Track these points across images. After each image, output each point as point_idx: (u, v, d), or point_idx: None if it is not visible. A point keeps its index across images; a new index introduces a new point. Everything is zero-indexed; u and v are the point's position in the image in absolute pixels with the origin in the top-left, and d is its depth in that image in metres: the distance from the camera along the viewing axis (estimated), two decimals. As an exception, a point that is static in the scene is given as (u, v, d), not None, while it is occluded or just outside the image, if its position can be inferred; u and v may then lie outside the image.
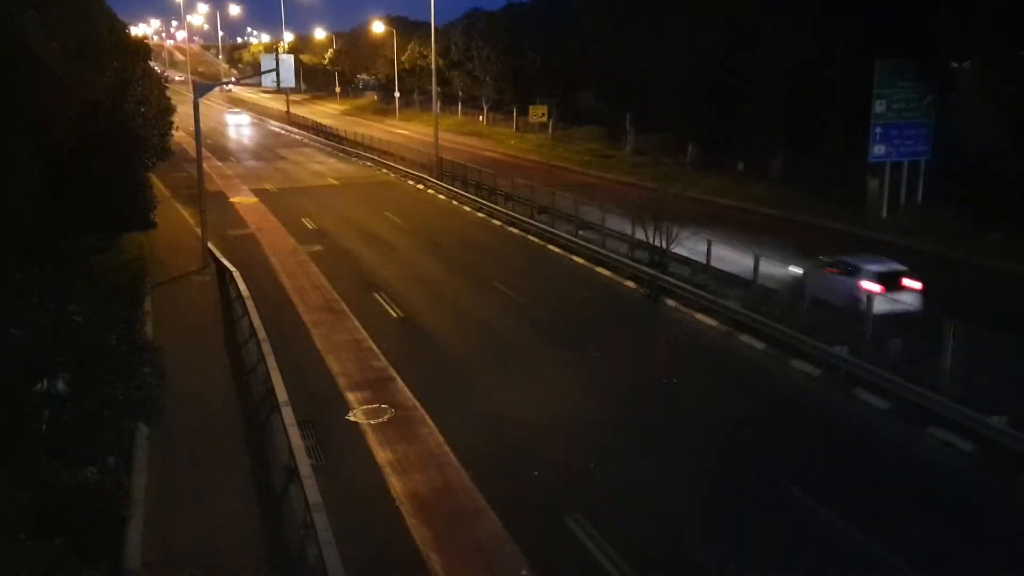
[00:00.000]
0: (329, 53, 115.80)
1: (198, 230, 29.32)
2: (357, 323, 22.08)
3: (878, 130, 33.00)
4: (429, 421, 16.14)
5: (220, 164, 54.68)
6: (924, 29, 30.78)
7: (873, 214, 34.42)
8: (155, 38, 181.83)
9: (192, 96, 28.73)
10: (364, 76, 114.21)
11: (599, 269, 27.43)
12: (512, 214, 35.20)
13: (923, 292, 20.49)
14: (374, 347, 20.27)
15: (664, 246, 25.15)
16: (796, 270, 22.53)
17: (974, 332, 15.52)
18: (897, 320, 18.15)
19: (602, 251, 27.96)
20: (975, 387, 15.29)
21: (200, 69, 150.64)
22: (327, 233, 33.55)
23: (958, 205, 31.30)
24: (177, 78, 57.58)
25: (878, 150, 33.35)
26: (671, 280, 23.88)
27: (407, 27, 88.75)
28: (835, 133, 38.17)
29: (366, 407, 16.85)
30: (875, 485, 13.97)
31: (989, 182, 29.96)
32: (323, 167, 54.56)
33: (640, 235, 26.46)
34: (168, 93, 34.47)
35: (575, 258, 28.96)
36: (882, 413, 16.49)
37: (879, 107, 32.76)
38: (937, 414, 15.58)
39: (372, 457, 14.81)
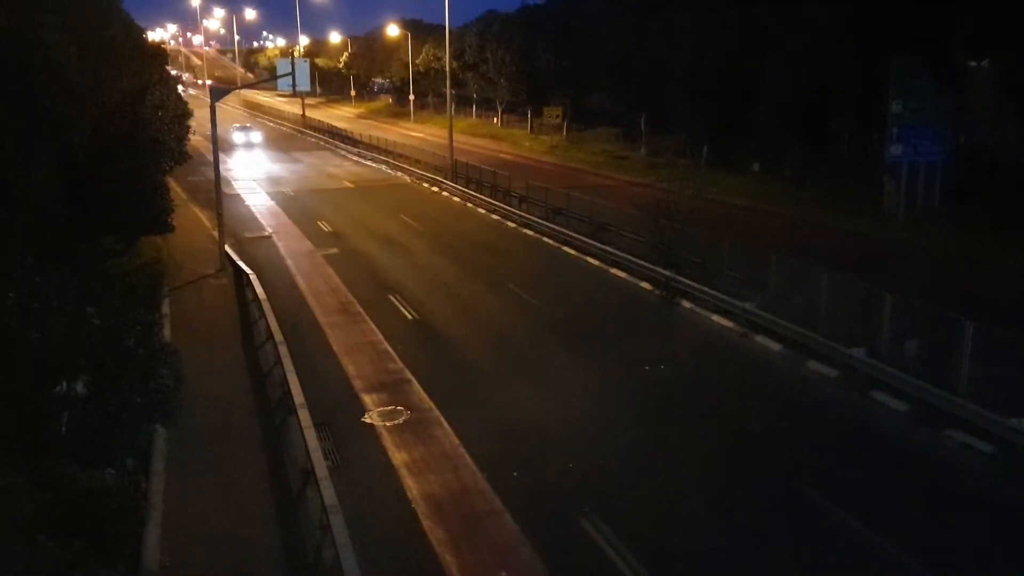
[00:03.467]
0: (344, 57, 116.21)
1: (215, 233, 29.48)
2: (373, 325, 22.14)
3: (895, 130, 32.79)
4: (444, 423, 16.16)
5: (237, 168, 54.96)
6: (941, 27, 30.57)
7: (890, 215, 34.20)
8: (172, 43, 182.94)
9: (209, 100, 28.91)
10: (379, 79, 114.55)
11: (614, 271, 27.38)
12: (527, 216, 35.19)
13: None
14: (389, 349, 20.32)
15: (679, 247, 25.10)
16: None
17: (993, 332, 15.38)
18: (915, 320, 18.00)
19: (617, 252, 27.90)
20: (995, 388, 15.16)
21: (217, 73, 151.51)
22: (343, 236, 33.67)
23: (976, 205, 31.04)
24: (191, 92, 58.32)
25: (895, 150, 33.13)
26: (686, 281, 23.80)
27: (422, 30, 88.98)
28: (851, 134, 37.96)
29: (382, 409, 16.89)
30: (892, 487, 13.87)
31: (1008, 181, 29.71)
32: (338, 170, 54.75)
33: (655, 237, 26.40)
34: (184, 97, 34.71)
35: (590, 260, 28.92)
36: (900, 415, 16.38)
37: (896, 107, 32.54)
38: (956, 416, 15.46)
39: (388, 459, 14.84)
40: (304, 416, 14.78)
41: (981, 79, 34.48)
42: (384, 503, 13.40)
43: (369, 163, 57.50)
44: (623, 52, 52.37)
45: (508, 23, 72.07)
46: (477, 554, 12.11)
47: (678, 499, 13.58)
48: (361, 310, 23.52)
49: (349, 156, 61.83)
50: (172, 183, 31.51)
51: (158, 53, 30.91)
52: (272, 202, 42.09)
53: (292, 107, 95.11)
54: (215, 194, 29.37)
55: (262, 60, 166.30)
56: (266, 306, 21.46)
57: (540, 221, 33.95)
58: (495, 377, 18.75)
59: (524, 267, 28.81)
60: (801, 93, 38.95)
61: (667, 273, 24.63)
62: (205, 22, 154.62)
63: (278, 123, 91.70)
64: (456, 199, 42.54)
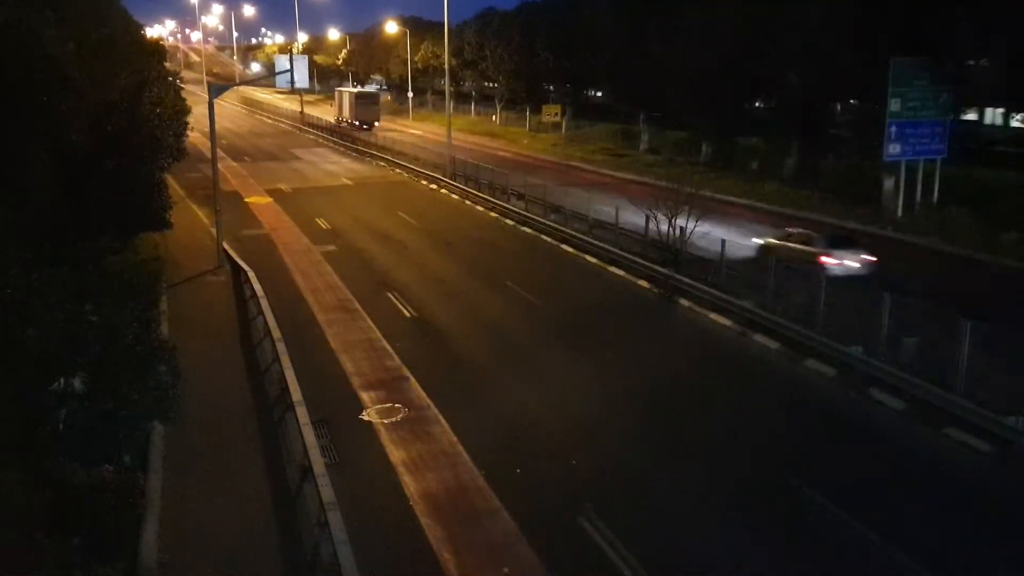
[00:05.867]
0: (343, 54, 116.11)
1: (213, 230, 29.46)
2: (370, 322, 22.13)
3: (893, 129, 32.80)
4: (442, 420, 16.16)
5: (235, 164, 54.89)
6: (939, 26, 30.56)
7: (888, 213, 34.23)
8: (170, 39, 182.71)
9: (207, 96, 28.88)
10: (377, 76, 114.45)
11: (612, 268, 27.38)
12: (525, 213, 35.19)
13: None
14: (387, 346, 20.32)
15: (678, 246, 25.13)
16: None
17: (991, 331, 15.41)
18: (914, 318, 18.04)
19: (615, 250, 27.90)
20: (992, 387, 15.18)
21: (215, 70, 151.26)
22: (341, 233, 33.65)
23: (974, 204, 31.07)
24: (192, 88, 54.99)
25: (893, 149, 33.14)
26: (685, 279, 23.81)
27: (420, 27, 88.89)
28: (850, 132, 37.98)
29: (380, 406, 16.89)
30: (891, 486, 13.89)
31: (1006, 180, 29.76)
32: (337, 167, 54.70)
33: (654, 234, 26.47)
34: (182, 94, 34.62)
35: (588, 258, 28.92)
36: (898, 413, 16.40)
37: (894, 106, 32.55)
38: (953, 414, 15.48)
39: (386, 456, 14.84)
40: (302, 413, 14.79)
41: (980, 78, 34.52)
42: (382, 500, 13.41)
43: (367, 160, 57.46)
44: (622, 50, 52.36)
45: (507, 20, 71.99)
46: (475, 552, 12.11)
47: (676, 497, 13.59)
48: (359, 307, 23.51)
49: (348, 153, 61.76)
50: (170, 180, 31.47)
51: (156, 49, 30.84)
52: (270, 199, 42.05)
53: (291, 104, 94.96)
54: (213, 191, 29.35)
55: (261, 57, 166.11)
56: (264, 303, 21.46)
57: (538, 219, 33.95)
58: (493, 375, 18.75)
59: (522, 265, 28.80)
60: (800, 91, 38.94)
61: (665, 271, 24.64)
62: (203, 18, 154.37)
63: (277, 120, 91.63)
64: (455, 196, 42.53)
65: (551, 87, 70.60)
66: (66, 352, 14.00)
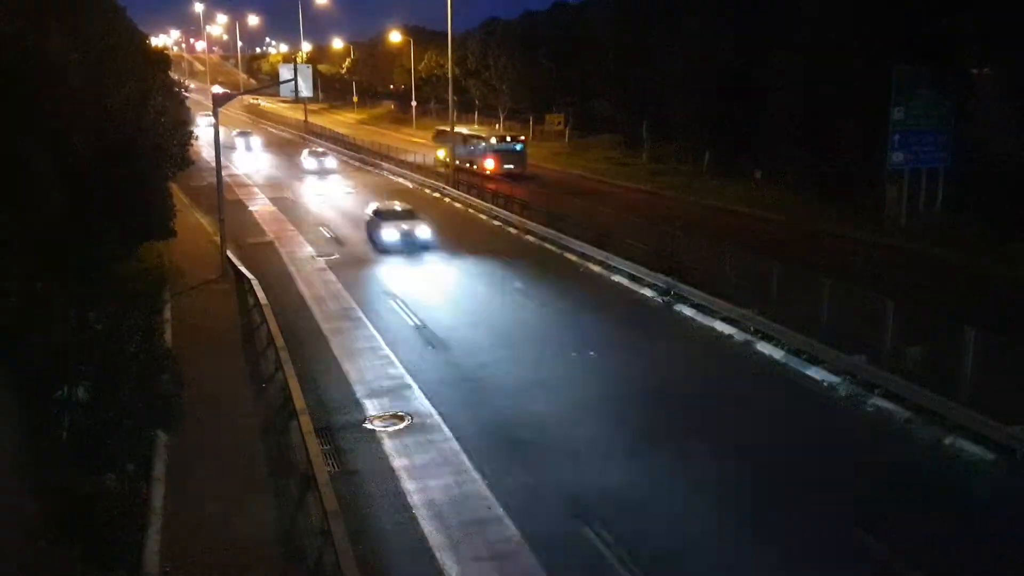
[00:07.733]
0: (347, 63, 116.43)
1: (217, 239, 29.53)
2: (374, 331, 22.14)
3: (896, 137, 32.79)
4: (445, 428, 16.16)
5: (239, 173, 55.02)
6: (943, 35, 30.59)
7: (892, 222, 34.19)
8: (175, 48, 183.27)
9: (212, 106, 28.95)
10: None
11: (616, 277, 27.36)
12: (528, 222, 35.20)
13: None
14: (391, 355, 20.32)
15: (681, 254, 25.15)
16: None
17: (995, 340, 15.38)
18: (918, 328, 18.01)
19: (619, 259, 27.87)
20: (996, 396, 15.15)
21: (220, 79, 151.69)
22: (344, 241, 33.69)
23: (978, 213, 31.04)
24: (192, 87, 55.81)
25: (896, 158, 33.13)
26: (688, 288, 23.80)
27: (424, 36, 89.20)
28: (853, 141, 37.96)
29: (383, 414, 16.88)
30: (893, 493, 13.85)
31: (1010, 189, 29.72)
32: (340, 175, 54.74)
33: (657, 243, 26.48)
34: (187, 103, 34.72)
35: (592, 266, 28.91)
36: (901, 421, 16.36)
37: (897, 114, 32.55)
38: (957, 423, 15.44)
39: (389, 464, 14.84)
40: (305, 421, 14.80)
41: (983, 86, 34.51)
42: (385, 508, 13.40)
43: (371, 169, 57.55)
44: (625, 59, 52.46)
45: (510, 30, 72.20)
46: (477, 560, 12.09)
47: (679, 504, 13.56)
48: (362, 315, 23.53)
49: (351, 162, 61.88)
50: (174, 188, 31.54)
51: (161, 59, 30.93)
52: (274, 207, 42.12)
53: (295, 113, 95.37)
54: (217, 199, 29.42)
55: (265, 66, 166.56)
56: (267, 312, 21.49)
57: (542, 227, 33.95)
58: (496, 383, 18.72)
59: (526, 273, 28.76)
60: (803, 100, 38.96)
61: (669, 279, 24.63)
62: (208, 28, 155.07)
63: (281, 129, 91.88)
64: (458, 205, 42.57)
65: (555, 97, 70.69)
66: (70, 360, 14.04)
